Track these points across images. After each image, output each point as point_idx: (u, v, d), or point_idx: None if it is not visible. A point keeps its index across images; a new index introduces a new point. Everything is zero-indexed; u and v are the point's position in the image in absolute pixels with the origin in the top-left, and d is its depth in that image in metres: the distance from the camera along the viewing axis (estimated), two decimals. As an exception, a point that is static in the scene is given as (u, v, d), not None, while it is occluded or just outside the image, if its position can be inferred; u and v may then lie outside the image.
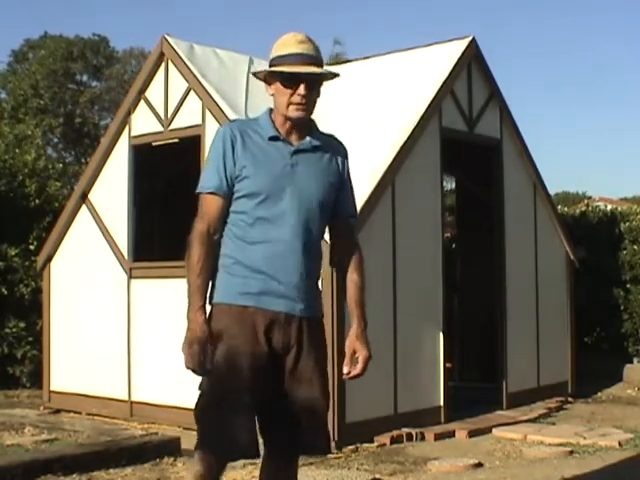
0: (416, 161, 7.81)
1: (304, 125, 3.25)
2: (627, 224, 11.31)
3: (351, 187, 3.52)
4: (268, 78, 3.24)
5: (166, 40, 8.25)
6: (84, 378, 8.80)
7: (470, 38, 8.55)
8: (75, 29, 58.72)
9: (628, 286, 10.96)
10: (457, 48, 8.49)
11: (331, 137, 3.43)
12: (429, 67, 8.49)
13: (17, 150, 11.68)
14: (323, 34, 63.30)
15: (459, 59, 8.35)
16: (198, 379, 3.17)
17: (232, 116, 7.60)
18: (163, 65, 8.33)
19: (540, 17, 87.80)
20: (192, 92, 8.02)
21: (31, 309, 10.42)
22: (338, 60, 11.43)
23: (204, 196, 3.22)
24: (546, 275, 9.45)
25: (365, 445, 6.93)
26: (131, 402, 8.30)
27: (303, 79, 3.13)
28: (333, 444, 6.79)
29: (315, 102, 3.25)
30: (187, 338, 3.08)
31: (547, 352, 9.36)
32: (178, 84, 8.18)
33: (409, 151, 7.70)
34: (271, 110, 3.29)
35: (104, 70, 30.03)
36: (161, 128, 8.33)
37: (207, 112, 7.82)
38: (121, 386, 8.36)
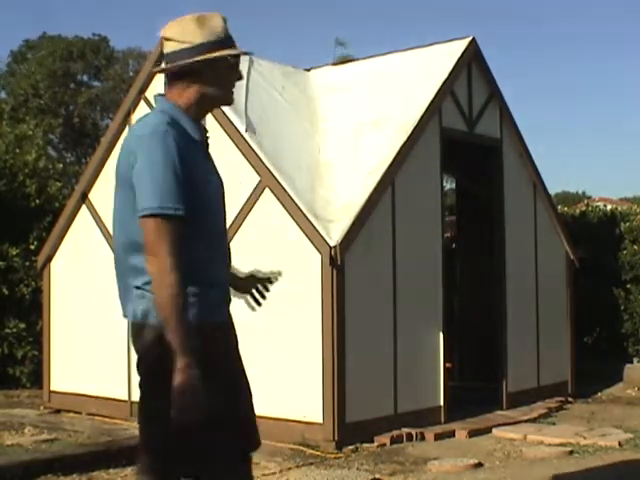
0: (416, 161, 7.82)
1: None
2: (627, 224, 11.31)
3: None
4: (199, 66, 2.84)
5: (166, 40, 8.24)
6: (84, 378, 8.80)
7: (470, 38, 8.55)
8: (73, 30, 58.77)
9: (628, 286, 10.96)
10: (457, 48, 8.49)
11: None
12: (429, 67, 8.49)
13: (17, 150, 11.68)
14: (324, 34, 63.39)
15: (459, 59, 8.36)
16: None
17: (232, 116, 7.60)
18: (163, 65, 8.32)
19: (540, 18, 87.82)
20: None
21: (31, 309, 10.42)
22: (343, 60, 11.43)
23: (169, 221, 2.63)
24: (546, 275, 9.45)
25: (365, 445, 6.93)
26: (131, 402, 8.29)
27: (238, 63, 2.96)
28: (333, 444, 6.81)
29: None
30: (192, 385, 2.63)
31: (547, 352, 9.35)
32: (178, 84, 8.17)
33: (409, 151, 7.71)
34: (166, 99, 2.91)
35: (104, 70, 30.05)
36: (161, 128, 8.32)
37: (207, 112, 7.81)
38: (121, 386, 8.36)
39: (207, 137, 3.00)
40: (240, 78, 2.98)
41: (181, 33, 2.86)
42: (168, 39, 2.89)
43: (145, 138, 2.74)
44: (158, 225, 2.64)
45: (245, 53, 2.99)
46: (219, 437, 2.77)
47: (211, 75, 2.87)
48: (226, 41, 2.89)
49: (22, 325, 10.37)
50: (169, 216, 2.64)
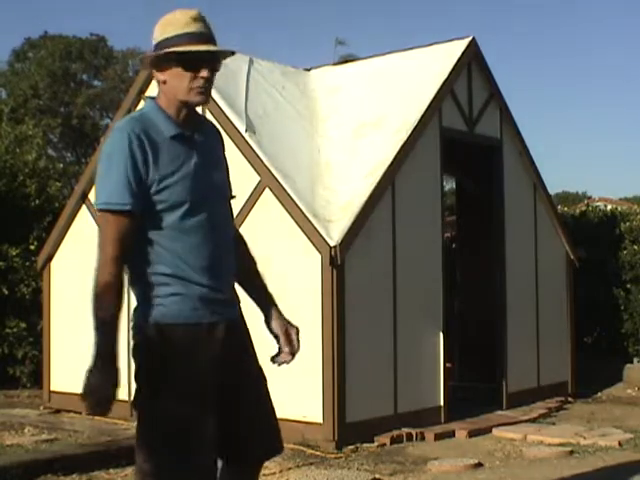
0: (416, 161, 7.82)
1: (195, 110, 2.93)
2: (627, 224, 11.30)
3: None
4: (160, 62, 2.80)
5: (166, 40, 8.23)
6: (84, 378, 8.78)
7: (470, 38, 8.55)
8: (73, 29, 58.77)
9: (628, 286, 10.95)
10: (457, 48, 8.50)
11: (207, 119, 3.18)
12: (429, 67, 8.49)
13: (17, 150, 11.68)
14: (324, 35, 63.41)
15: (459, 59, 8.36)
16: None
17: (232, 116, 7.60)
18: (163, 65, 8.32)
19: (540, 17, 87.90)
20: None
21: (32, 309, 10.42)
22: (346, 59, 11.44)
23: (115, 216, 2.74)
24: (546, 275, 9.45)
25: (365, 445, 6.93)
26: (131, 402, 8.29)
27: (206, 60, 2.77)
28: (333, 444, 6.81)
29: (213, 84, 2.90)
30: (98, 380, 2.85)
31: (547, 352, 9.35)
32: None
33: (409, 151, 7.71)
34: (153, 99, 2.90)
35: (104, 70, 30.07)
36: (161, 128, 8.32)
37: (207, 112, 7.82)
38: (121, 386, 8.34)
39: (191, 134, 2.87)
40: (207, 78, 2.79)
41: (154, 32, 2.88)
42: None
43: (109, 135, 2.84)
44: (105, 219, 2.79)
45: (194, 52, 2.76)
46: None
47: (168, 73, 2.81)
48: (185, 37, 2.76)
49: (22, 325, 10.37)
50: (115, 211, 2.74)
